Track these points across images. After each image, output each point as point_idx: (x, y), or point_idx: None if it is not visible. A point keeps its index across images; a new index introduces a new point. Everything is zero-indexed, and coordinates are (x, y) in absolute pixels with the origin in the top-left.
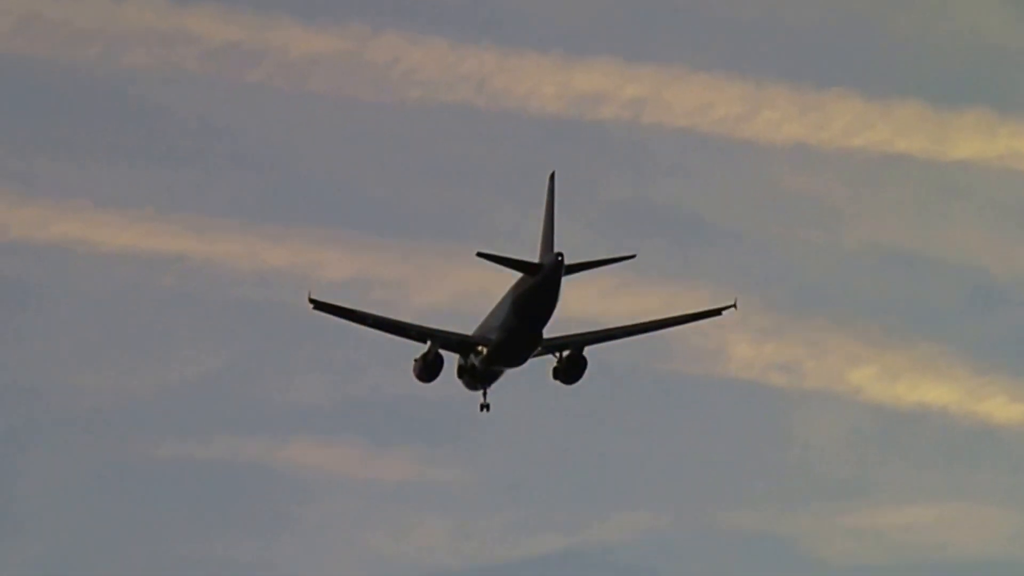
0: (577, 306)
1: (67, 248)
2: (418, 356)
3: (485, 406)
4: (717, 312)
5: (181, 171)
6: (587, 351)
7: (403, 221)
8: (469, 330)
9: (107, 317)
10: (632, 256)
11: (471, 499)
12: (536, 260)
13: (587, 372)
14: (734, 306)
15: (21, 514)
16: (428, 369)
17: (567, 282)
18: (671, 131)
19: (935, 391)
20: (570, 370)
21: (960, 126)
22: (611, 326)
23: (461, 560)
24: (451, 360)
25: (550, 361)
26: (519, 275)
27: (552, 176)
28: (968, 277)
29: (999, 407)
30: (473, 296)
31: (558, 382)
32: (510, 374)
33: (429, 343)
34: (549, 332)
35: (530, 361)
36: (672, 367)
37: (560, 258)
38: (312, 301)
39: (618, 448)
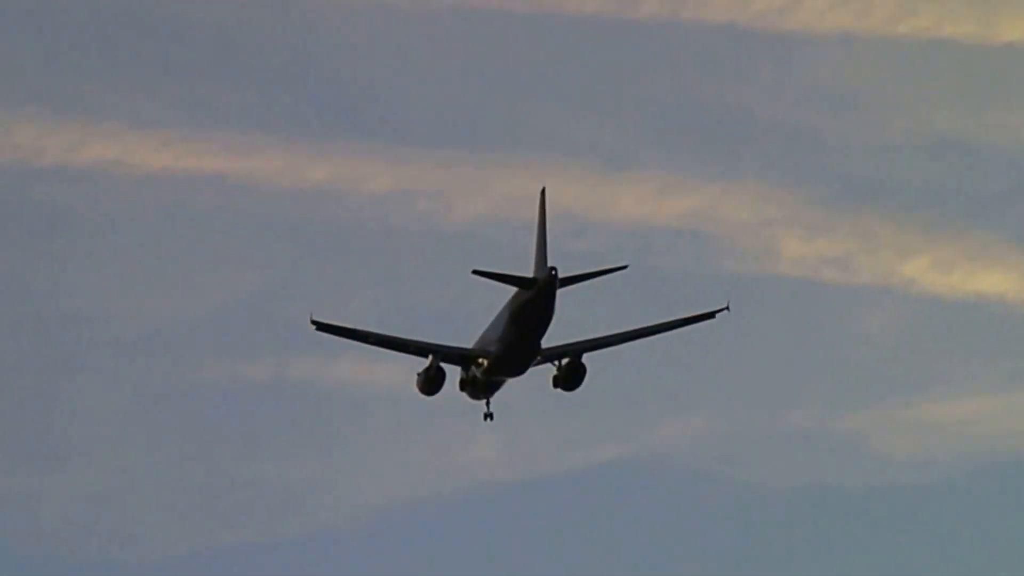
0: (628, 207)
1: (102, 171)
2: (420, 371)
3: (489, 415)
4: (711, 315)
5: (215, 88)
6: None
7: (443, 130)
8: (468, 343)
9: (146, 239)
10: (624, 267)
11: (526, 409)
12: (530, 275)
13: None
14: (727, 308)
15: (63, 439)
16: (430, 383)
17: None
18: (711, 28)
19: (990, 280)
20: (570, 377)
21: (1008, 8)
22: (608, 333)
23: (514, 472)
24: (451, 372)
25: (551, 369)
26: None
27: (543, 191)
28: (1020, 162)
29: None
30: (516, 204)
31: (559, 390)
32: (512, 383)
33: (431, 358)
34: (547, 341)
35: (531, 370)
36: (721, 267)
37: (554, 272)
38: (314, 323)
39: (670, 351)
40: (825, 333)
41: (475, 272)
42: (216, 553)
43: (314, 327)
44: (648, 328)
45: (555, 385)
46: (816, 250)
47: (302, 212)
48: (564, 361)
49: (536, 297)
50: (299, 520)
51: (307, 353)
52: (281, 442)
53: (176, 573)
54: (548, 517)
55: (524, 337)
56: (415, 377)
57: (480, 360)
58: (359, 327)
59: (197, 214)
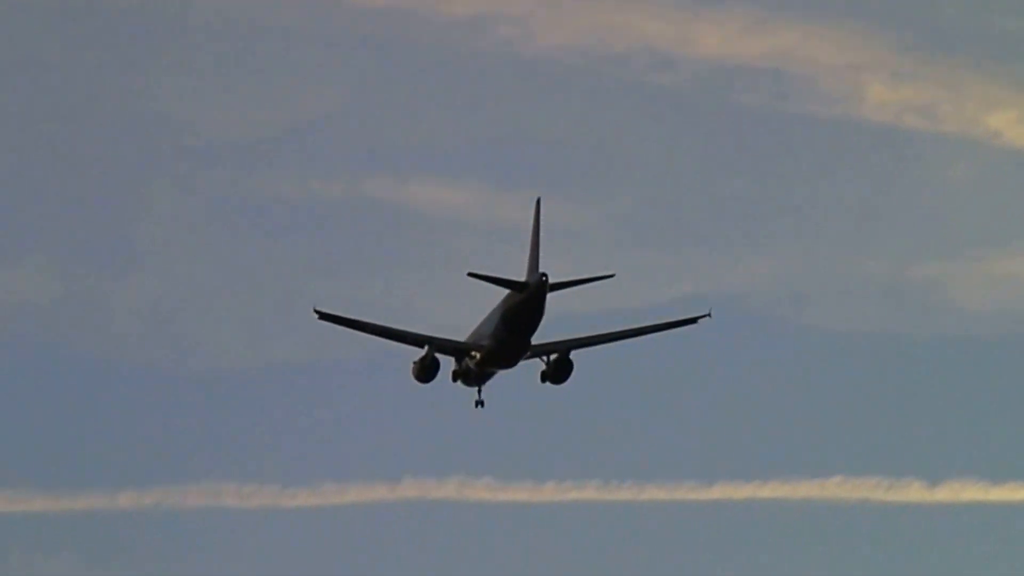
0: (711, 43)
1: None
2: (416, 359)
3: (480, 402)
4: (693, 320)
5: None
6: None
7: None
8: (462, 336)
9: (227, 50)
10: (611, 275)
11: (597, 240)
12: (523, 279)
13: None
14: (708, 315)
15: (146, 247)
16: (425, 372)
17: None
18: None
19: None
20: (557, 373)
21: None
22: (594, 333)
23: (585, 304)
24: (446, 362)
25: (540, 364)
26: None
27: (538, 201)
28: None
29: None
30: (601, 35)
31: (547, 384)
32: (502, 374)
33: (426, 348)
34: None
35: (522, 363)
36: (804, 109)
37: (544, 278)
38: (317, 312)
39: (750, 192)
40: (906, 181)
41: (470, 275)
42: (283, 365)
43: (317, 316)
44: (632, 330)
45: (543, 379)
46: (901, 97)
47: (382, 31)
48: (552, 357)
49: (527, 300)
50: (361, 338)
51: (382, 172)
52: (357, 258)
53: (243, 385)
54: (620, 350)
55: (515, 335)
56: (411, 365)
57: (473, 352)
58: (361, 318)
59: (278, 27)
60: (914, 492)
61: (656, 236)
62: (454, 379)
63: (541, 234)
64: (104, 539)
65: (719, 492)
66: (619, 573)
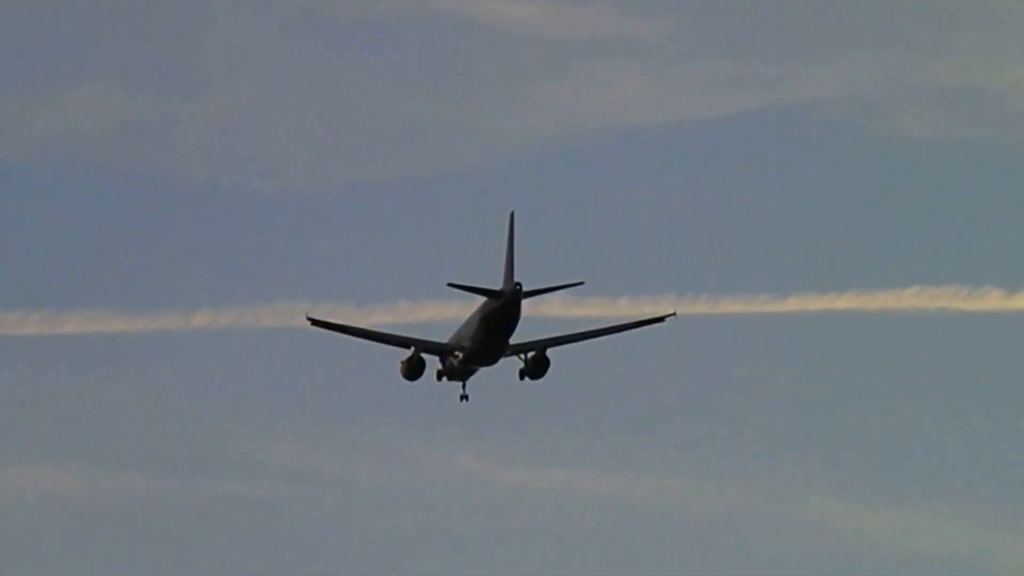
0: None
1: None
2: (403, 360)
3: (464, 396)
4: (660, 319)
5: None
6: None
7: None
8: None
9: None
10: (581, 283)
11: (668, 52)
12: (499, 288)
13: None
14: (674, 314)
15: (214, 66)
16: (412, 371)
17: None
18: None
19: None
20: (535, 369)
21: None
22: (568, 333)
23: (654, 117)
24: (431, 361)
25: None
26: None
27: (512, 215)
28: None
29: None
30: None
31: (526, 379)
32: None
33: (412, 349)
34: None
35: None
36: None
37: (519, 287)
38: (310, 319)
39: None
40: None
41: (450, 285)
42: (354, 184)
43: (310, 323)
44: (602, 330)
45: (521, 376)
46: None
47: None
48: (530, 354)
49: (503, 307)
50: (431, 155)
51: None
52: (415, 77)
53: (315, 204)
54: (692, 162)
55: (493, 337)
56: (399, 365)
57: (456, 352)
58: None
59: None
60: (992, 300)
61: (726, 46)
62: (439, 377)
63: (516, 245)
64: (177, 357)
65: (795, 304)
66: (692, 383)
